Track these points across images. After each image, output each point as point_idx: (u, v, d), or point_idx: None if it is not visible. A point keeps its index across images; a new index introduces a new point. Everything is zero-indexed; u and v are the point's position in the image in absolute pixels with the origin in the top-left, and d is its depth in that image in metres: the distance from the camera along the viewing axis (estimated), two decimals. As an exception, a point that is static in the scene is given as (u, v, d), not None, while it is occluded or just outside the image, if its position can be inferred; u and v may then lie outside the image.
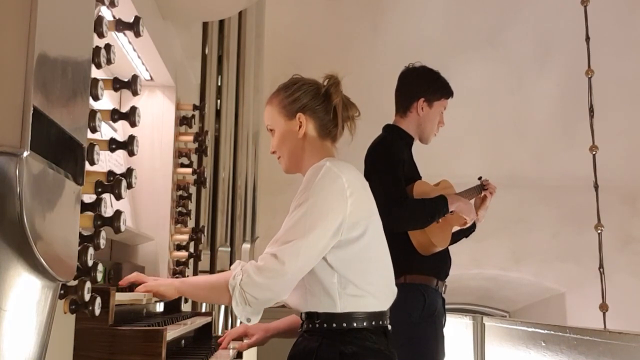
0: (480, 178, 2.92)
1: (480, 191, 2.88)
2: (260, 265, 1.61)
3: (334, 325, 1.66)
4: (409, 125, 2.72)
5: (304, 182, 1.68)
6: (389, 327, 1.76)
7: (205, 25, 3.91)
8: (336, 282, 1.65)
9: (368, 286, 1.68)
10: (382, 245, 1.78)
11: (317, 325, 1.67)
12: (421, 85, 2.70)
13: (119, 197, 1.31)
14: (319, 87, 1.83)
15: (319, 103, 1.81)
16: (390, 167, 2.55)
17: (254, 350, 4.13)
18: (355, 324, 1.66)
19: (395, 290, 1.80)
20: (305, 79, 1.85)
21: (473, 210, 2.69)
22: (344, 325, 1.66)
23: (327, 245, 1.63)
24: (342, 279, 1.65)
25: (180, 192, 2.83)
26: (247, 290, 1.59)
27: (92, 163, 1.18)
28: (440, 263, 2.61)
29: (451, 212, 2.60)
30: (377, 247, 1.75)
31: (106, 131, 2.22)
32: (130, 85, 1.49)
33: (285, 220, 1.67)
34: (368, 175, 2.63)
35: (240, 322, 1.76)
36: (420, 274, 2.54)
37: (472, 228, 2.83)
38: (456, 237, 2.79)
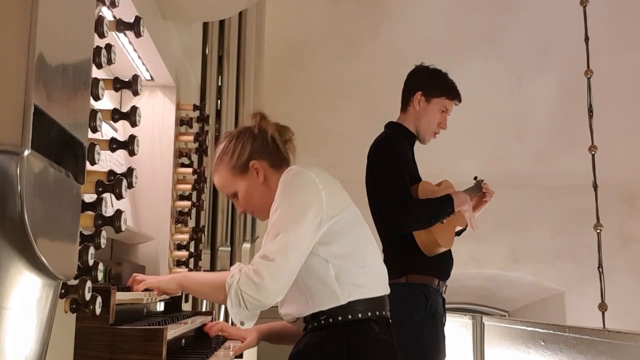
0: (475, 178, 2.92)
1: (477, 191, 2.87)
2: (254, 268, 1.63)
3: (340, 318, 1.69)
4: (409, 121, 2.71)
5: (279, 188, 1.72)
6: (390, 319, 1.80)
7: (205, 25, 3.91)
8: (333, 274, 1.69)
9: (361, 270, 1.72)
10: (364, 228, 1.81)
11: (323, 322, 1.70)
12: (420, 80, 2.72)
13: (119, 196, 1.31)
14: (251, 129, 1.88)
15: (260, 143, 1.86)
16: (394, 166, 2.55)
17: (254, 349, 4.13)
18: (360, 315, 1.69)
19: (385, 267, 1.84)
20: (234, 132, 1.91)
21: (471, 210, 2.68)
22: (349, 317, 1.69)
23: (312, 240, 1.66)
24: (337, 269, 1.69)
25: (181, 192, 2.84)
26: (245, 289, 1.60)
27: (92, 163, 1.18)
28: (443, 263, 2.61)
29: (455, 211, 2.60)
30: (360, 232, 1.79)
31: (107, 131, 2.22)
32: (131, 85, 1.50)
33: (268, 226, 1.70)
34: (371, 173, 2.62)
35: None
36: (422, 274, 2.54)
37: (464, 227, 2.84)
38: None
